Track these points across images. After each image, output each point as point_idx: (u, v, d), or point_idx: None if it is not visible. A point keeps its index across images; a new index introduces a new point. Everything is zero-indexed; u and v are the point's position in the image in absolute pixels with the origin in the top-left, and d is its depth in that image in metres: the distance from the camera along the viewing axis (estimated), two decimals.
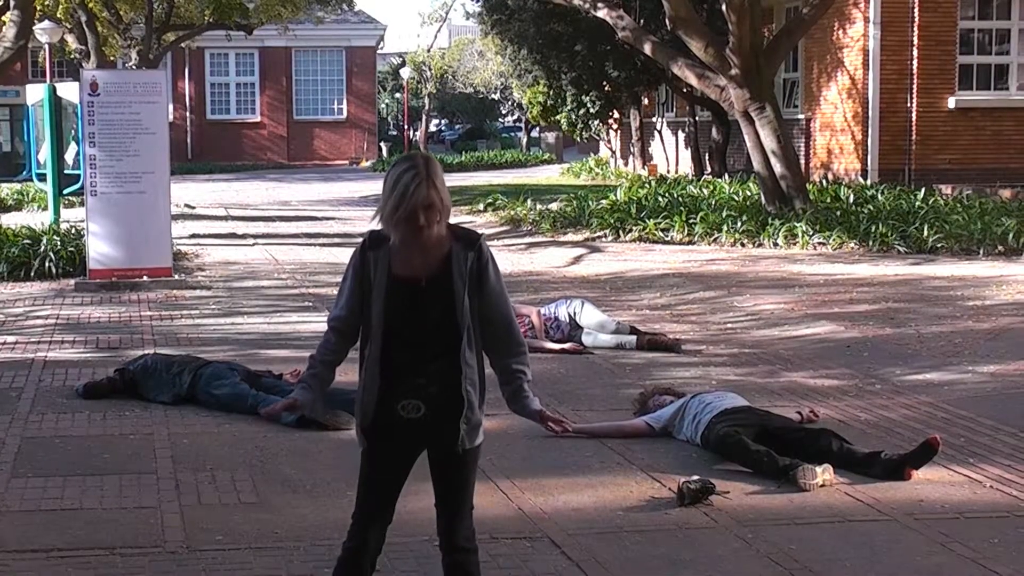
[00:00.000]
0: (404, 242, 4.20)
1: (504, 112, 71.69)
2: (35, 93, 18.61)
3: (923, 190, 19.84)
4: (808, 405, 8.31)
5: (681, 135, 32.82)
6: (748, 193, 21.08)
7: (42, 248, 15.66)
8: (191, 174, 41.36)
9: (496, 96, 66.79)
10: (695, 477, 6.42)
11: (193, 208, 26.98)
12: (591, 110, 32.83)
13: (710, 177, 25.85)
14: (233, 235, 21.49)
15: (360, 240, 4.39)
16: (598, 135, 37.71)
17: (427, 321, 4.26)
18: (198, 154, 49.16)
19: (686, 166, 31.65)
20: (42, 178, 18.90)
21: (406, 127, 57.78)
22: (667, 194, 21.67)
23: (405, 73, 57.39)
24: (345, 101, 51.75)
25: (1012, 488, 6.56)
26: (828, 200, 19.77)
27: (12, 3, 20.60)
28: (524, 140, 62.75)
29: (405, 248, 4.22)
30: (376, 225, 4.25)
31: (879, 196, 19.82)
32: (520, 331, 4.54)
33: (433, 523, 5.93)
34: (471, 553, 4.49)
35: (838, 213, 18.45)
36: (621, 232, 19.32)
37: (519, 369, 4.51)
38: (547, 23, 29.12)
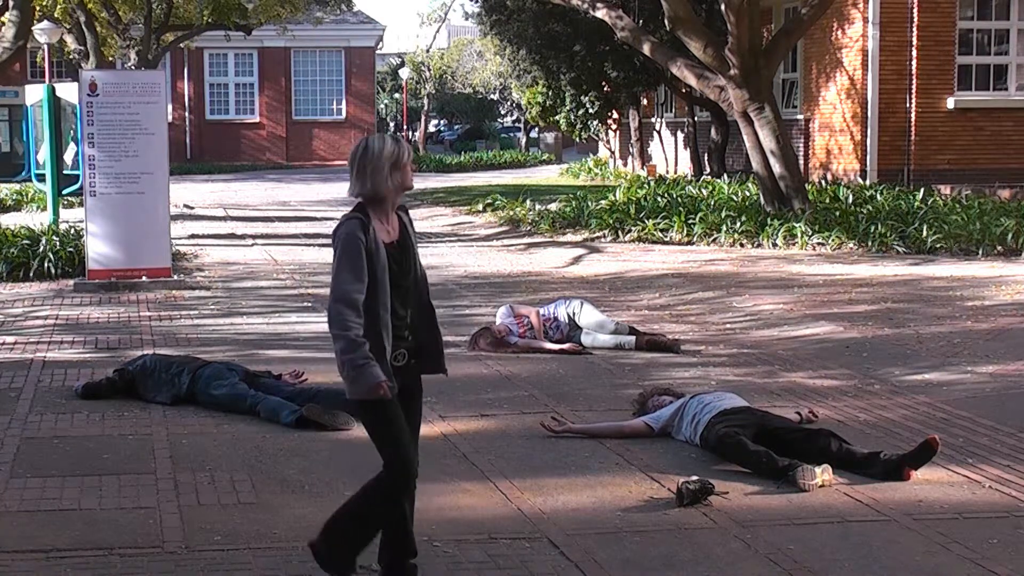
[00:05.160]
0: (389, 200, 5.00)
1: (503, 112, 71.70)
2: (34, 93, 18.60)
3: (922, 190, 19.84)
4: (807, 405, 8.31)
5: (680, 135, 32.82)
6: (747, 193, 21.08)
7: (41, 248, 15.66)
8: (190, 174, 41.34)
9: (495, 96, 66.81)
10: (694, 477, 6.42)
11: (192, 208, 26.98)
12: (590, 110, 32.82)
13: (709, 177, 25.83)
14: (232, 235, 21.49)
15: (350, 221, 4.96)
16: (597, 135, 37.71)
17: (410, 277, 5.07)
18: (197, 154, 49.14)
19: (685, 166, 31.65)
20: (41, 178, 18.89)
21: (405, 128, 57.80)
22: (666, 194, 21.67)
23: (404, 73, 57.44)
24: (344, 101, 51.71)
25: (1011, 488, 6.56)
26: (827, 200, 19.77)
27: (11, 3, 20.62)
28: (523, 140, 62.77)
29: (380, 218, 5.01)
30: (375, 187, 4.97)
31: (878, 196, 19.82)
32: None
33: (432, 522, 5.95)
34: None
35: (837, 213, 18.45)
36: (620, 232, 19.33)
37: None
38: (546, 23, 29.12)
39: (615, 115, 35.40)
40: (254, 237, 21.05)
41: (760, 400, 8.34)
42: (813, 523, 6.03)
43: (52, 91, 17.52)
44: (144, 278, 14.47)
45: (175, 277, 14.81)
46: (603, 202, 21.50)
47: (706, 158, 29.05)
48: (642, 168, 33.41)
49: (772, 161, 19.04)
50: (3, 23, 21.50)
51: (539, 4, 27.95)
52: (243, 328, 11.91)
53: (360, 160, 4.98)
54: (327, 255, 17.86)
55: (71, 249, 15.66)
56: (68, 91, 16.95)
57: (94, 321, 12.35)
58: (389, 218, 5.05)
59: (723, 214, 18.85)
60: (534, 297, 13.41)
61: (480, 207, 24.50)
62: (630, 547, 5.73)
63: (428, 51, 65.61)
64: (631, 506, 6.32)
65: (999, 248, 16.25)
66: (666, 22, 19.59)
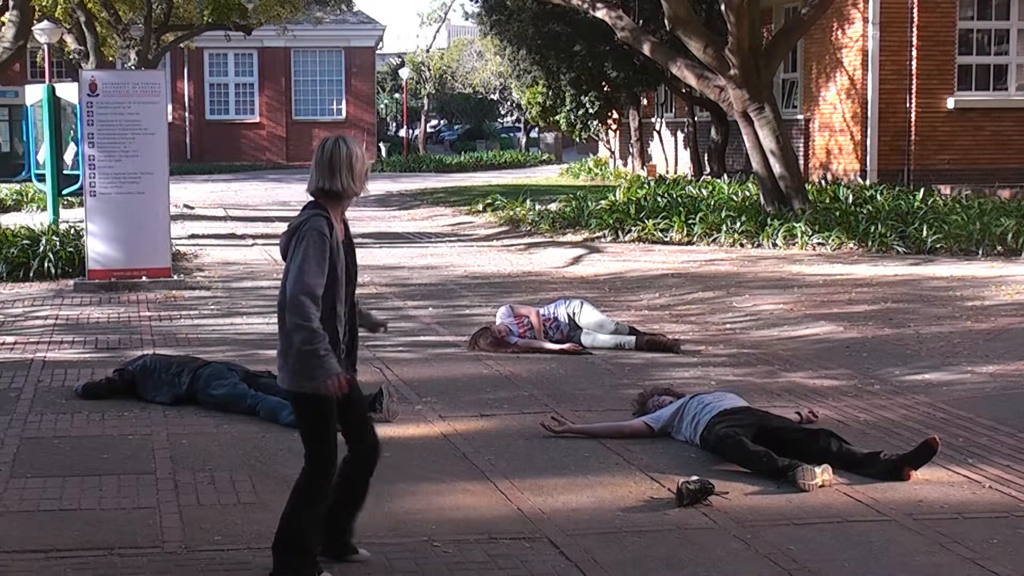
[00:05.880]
0: (348, 202, 5.26)
1: (503, 112, 71.66)
2: (34, 93, 18.60)
3: (922, 190, 19.83)
4: (807, 405, 8.31)
5: (680, 135, 32.83)
6: (747, 193, 21.08)
7: (41, 248, 15.65)
8: (190, 174, 41.35)
9: (495, 96, 66.78)
10: (694, 477, 6.42)
11: (192, 208, 26.97)
12: (590, 110, 32.83)
13: (709, 177, 25.84)
14: (232, 235, 21.48)
15: (316, 217, 5.14)
16: (597, 136, 37.71)
17: (355, 275, 5.31)
18: (197, 154, 49.13)
19: (685, 166, 31.65)
20: (41, 178, 18.89)
21: (405, 127, 57.82)
22: (666, 194, 21.67)
23: (404, 73, 57.42)
24: (344, 101, 51.71)
25: (1011, 488, 6.57)
26: (827, 200, 19.76)
27: (11, 3, 20.63)
28: (523, 140, 62.75)
29: (338, 217, 5.23)
30: (345, 185, 5.15)
31: (878, 196, 19.82)
32: None
33: (432, 522, 5.95)
34: None
35: (837, 213, 18.45)
36: (620, 232, 19.33)
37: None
38: (546, 23, 29.12)
39: (615, 115, 35.39)
40: (254, 237, 21.05)
41: (760, 400, 8.34)
42: (813, 523, 6.03)
43: (52, 91, 17.52)
44: (144, 278, 14.47)
45: (175, 277, 14.81)
46: (603, 202, 21.50)
47: (706, 158, 29.05)
48: (642, 168, 33.41)
49: (772, 161, 19.04)
50: (3, 23, 21.50)
51: (539, 4, 27.95)
52: (243, 328, 11.91)
53: (333, 157, 5.14)
54: None
55: (71, 249, 15.66)
56: (68, 91, 16.95)
57: (94, 321, 12.34)
58: (340, 218, 5.26)
59: (723, 214, 18.85)
60: (534, 297, 13.41)
61: (480, 207, 24.47)
62: (630, 547, 5.73)
63: (428, 51, 65.59)
64: (631, 506, 6.32)
65: (999, 248, 16.25)
66: (666, 22, 19.59)
